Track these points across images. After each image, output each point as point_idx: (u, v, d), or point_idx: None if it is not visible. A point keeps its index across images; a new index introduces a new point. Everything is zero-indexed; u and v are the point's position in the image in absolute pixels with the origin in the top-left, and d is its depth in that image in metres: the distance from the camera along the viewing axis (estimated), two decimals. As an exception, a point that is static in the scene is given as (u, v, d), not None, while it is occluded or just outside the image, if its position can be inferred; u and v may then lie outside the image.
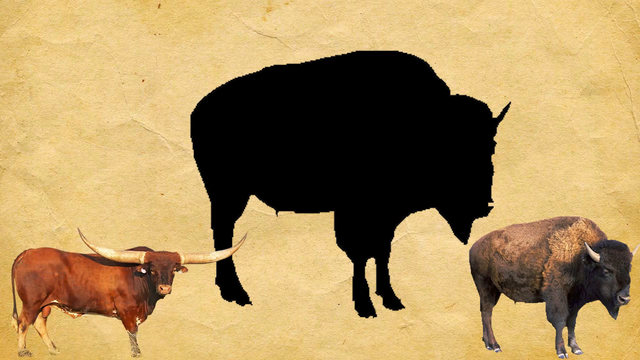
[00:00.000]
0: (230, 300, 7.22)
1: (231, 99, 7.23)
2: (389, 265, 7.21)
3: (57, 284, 7.02)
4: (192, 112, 7.24)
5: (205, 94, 7.24)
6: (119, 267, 7.05)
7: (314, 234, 7.20)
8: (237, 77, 7.24)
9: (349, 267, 7.18)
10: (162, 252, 7.08)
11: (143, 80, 7.25)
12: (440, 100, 7.08)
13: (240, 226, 7.25)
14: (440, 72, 7.16)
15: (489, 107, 7.08)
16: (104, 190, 7.22)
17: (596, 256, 6.55)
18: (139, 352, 7.20)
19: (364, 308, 7.18)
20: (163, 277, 6.98)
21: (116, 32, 7.24)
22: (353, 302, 7.20)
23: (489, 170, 7.06)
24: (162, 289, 6.94)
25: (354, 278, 7.19)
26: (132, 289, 7.05)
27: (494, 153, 7.07)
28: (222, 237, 7.29)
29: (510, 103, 7.12)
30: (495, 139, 7.06)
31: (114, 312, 7.08)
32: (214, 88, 7.24)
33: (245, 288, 7.22)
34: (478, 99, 7.10)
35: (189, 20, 7.24)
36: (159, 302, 7.01)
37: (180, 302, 7.20)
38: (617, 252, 6.55)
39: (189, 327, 7.18)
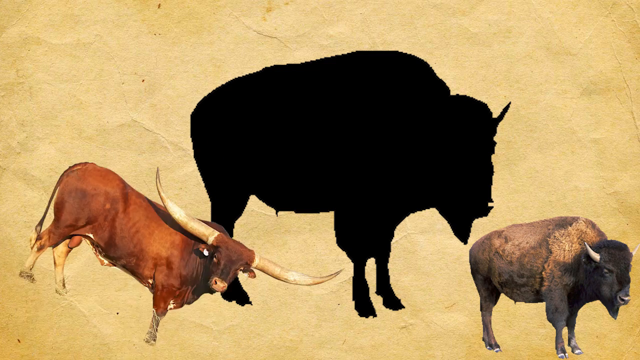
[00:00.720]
0: (230, 300, 7.22)
1: (231, 99, 7.23)
2: (389, 265, 7.21)
3: (103, 217, 6.20)
4: (192, 112, 7.24)
5: (205, 94, 7.24)
6: (180, 235, 6.27)
7: (314, 234, 7.20)
8: (237, 77, 7.24)
9: (349, 267, 7.19)
10: (237, 242, 6.31)
11: (143, 80, 7.25)
12: (440, 101, 7.09)
13: (240, 226, 7.25)
14: (440, 72, 7.16)
15: (489, 107, 7.08)
16: (104, 190, 7.22)
17: (596, 256, 6.55)
18: (154, 341, 6.52)
19: (364, 308, 7.18)
20: (224, 271, 6.12)
21: (116, 32, 7.24)
22: (353, 302, 7.20)
23: (489, 170, 7.06)
24: (216, 283, 6.12)
25: (354, 278, 7.20)
26: (184, 266, 6.20)
27: (494, 153, 7.07)
28: (222, 237, 7.31)
29: (510, 103, 7.12)
30: (495, 139, 7.06)
31: (150, 281, 6.27)
32: (214, 88, 7.24)
33: (245, 288, 7.22)
34: (478, 99, 7.10)
35: (189, 20, 7.24)
36: (159, 302, 7.01)
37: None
38: (617, 252, 6.55)
39: (189, 327, 7.18)
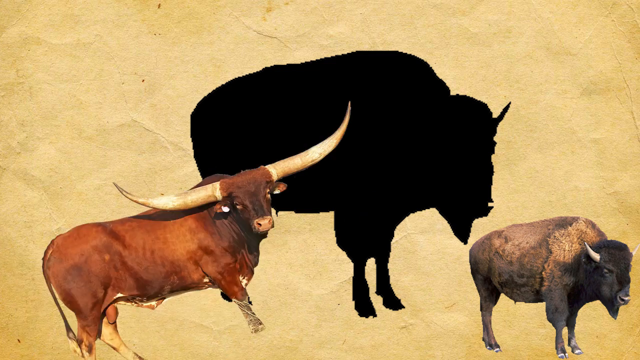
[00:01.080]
0: (230, 300, 7.22)
1: (231, 99, 7.23)
2: (389, 265, 7.21)
3: (113, 270, 5.46)
4: (192, 112, 7.24)
5: (205, 94, 7.24)
6: (191, 217, 5.56)
7: (314, 234, 7.20)
8: (237, 77, 7.24)
9: (349, 267, 7.18)
10: (241, 173, 5.59)
11: (143, 80, 7.25)
12: (440, 101, 7.08)
13: (240, 226, 7.26)
14: (440, 72, 7.16)
15: (489, 107, 7.08)
16: (104, 190, 7.22)
17: (596, 256, 6.55)
18: (261, 324, 5.81)
19: (364, 308, 7.18)
20: (255, 208, 5.39)
21: (116, 32, 7.24)
22: (353, 302, 7.20)
23: (489, 170, 7.06)
24: (259, 224, 5.37)
25: (354, 278, 7.20)
26: (219, 239, 5.49)
27: (494, 153, 7.07)
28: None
29: (510, 103, 7.12)
30: (495, 139, 7.06)
31: (206, 280, 5.58)
32: (214, 88, 7.24)
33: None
34: (478, 99, 7.10)
35: (189, 20, 7.24)
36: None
37: (180, 302, 7.20)
38: (617, 252, 6.55)
39: (189, 327, 7.18)
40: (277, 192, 5.53)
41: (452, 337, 7.13)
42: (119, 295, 5.49)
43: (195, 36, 7.23)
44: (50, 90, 7.24)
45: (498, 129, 7.06)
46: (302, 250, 7.21)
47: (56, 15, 7.25)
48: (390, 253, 7.20)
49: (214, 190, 5.44)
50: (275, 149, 7.15)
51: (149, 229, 5.49)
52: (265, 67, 7.22)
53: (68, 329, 5.60)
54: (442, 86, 7.12)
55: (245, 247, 5.54)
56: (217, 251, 5.44)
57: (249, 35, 7.23)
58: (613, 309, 6.59)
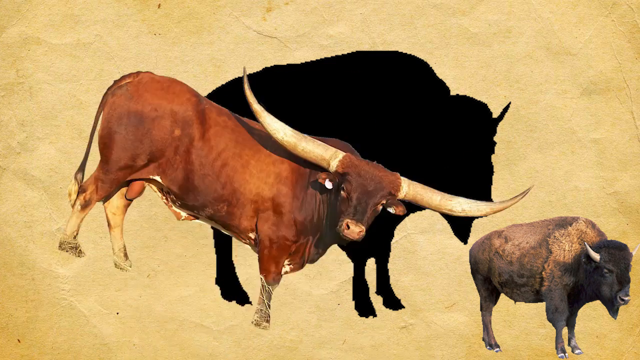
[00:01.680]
0: (230, 300, 7.22)
1: (231, 98, 7.22)
2: (389, 265, 7.21)
3: (172, 150, 4.30)
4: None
5: (205, 94, 7.23)
6: (288, 163, 4.44)
7: (314, 234, 7.20)
8: (237, 77, 7.23)
9: (349, 267, 7.18)
10: (373, 164, 4.53)
11: (143, 80, 7.25)
12: (440, 101, 7.08)
13: (240, 226, 7.25)
14: (440, 72, 7.16)
15: (489, 107, 7.08)
16: (104, 190, 7.22)
17: (596, 256, 6.55)
18: (267, 322, 4.71)
19: (364, 308, 7.18)
20: (358, 209, 4.32)
21: (116, 32, 7.24)
22: (353, 302, 7.20)
23: (489, 170, 7.06)
24: (348, 227, 4.24)
25: (354, 278, 7.20)
26: (298, 208, 4.42)
27: (494, 153, 7.07)
28: (223, 238, 7.28)
29: (510, 103, 7.12)
30: (495, 139, 7.06)
31: (251, 235, 4.51)
32: (214, 88, 7.24)
33: (245, 288, 7.21)
34: (478, 99, 7.10)
35: (189, 20, 7.24)
36: (159, 302, 6.94)
37: (180, 302, 7.20)
38: (617, 252, 6.55)
39: (189, 327, 7.18)
40: (391, 210, 4.51)
41: (452, 337, 7.13)
42: (157, 178, 4.34)
43: (195, 36, 7.23)
44: (50, 90, 7.24)
45: (498, 129, 7.06)
46: (302, 250, 7.21)
47: (56, 15, 7.24)
48: (390, 253, 7.20)
49: (334, 157, 4.36)
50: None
51: (240, 140, 4.33)
52: (266, 68, 7.22)
53: (81, 168, 4.31)
54: (442, 86, 7.12)
55: (317, 237, 4.44)
56: (285, 216, 4.32)
57: (249, 35, 7.23)
58: (613, 309, 6.59)
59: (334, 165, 4.44)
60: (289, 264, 4.60)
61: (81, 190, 4.60)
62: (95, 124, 4.50)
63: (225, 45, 7.24)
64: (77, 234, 4.45)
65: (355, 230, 4.42)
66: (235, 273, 7.25)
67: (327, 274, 7.16)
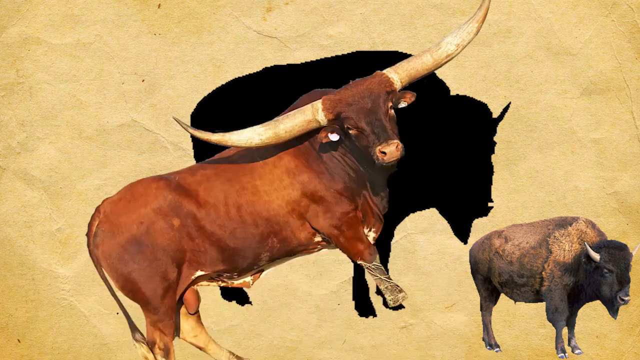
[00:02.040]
0: (230, 300, 7.22)
1: (231, 99, 7.22)
2: (389, 265, 7.21)
3: (186, 239, 3.92)
4: (192, 112, 7.24)
5: (205, 94, 7.23)
6: (287, 154, 4.03)
7: (314, 234, 7.20)
8: (237, 77, 7.23)
9: (349, 267, 7.18)
10: (350, 85, 4.04)
11: (143, 80, 7.25)
12: (440, 101, 7.08)
13: (240, 226, 7.25)
14: (440, 72, 7.16)
15: (489, 107, 7.08)
16: (104, 190, 7.22)
17: (596, 256, 6.55)
18: (402, 292, 4.19)
19: (364, 308, 7.18)
20: (376, 130, 3.85)
21: (116, 32, 7.24)
22: (353, 302, 7.20)
23: (489, 170, 7.06)
24: (383, 153, 3.92)
25: (354, 278, 7.20)
26: (330, 180, 3.98)
27: (494, 153, 7.07)
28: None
29: (510, 103, 7.12)
30: (495, 139, 7.06)
31: (318, 239, 4.13)
32: (214, 88, 7.23)
33: (245, 288, 7.21)
34: (478, 99, 7.10)
35: (189, 20, 7.23)
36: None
37: (179, 302, 7.19)
38: (617, 252, 6.55)
39: (189, 327, 7.18)
40: (403, 105, 4.03)
41: (452, 337, 7.13)
42: (199, 273, 3.91)
43: (195, 36, 7.23)
44: (50, 90, 7.23)
45: (498, 129, 7.06)
46: (302, 250, 7.21)
47: (56, 15, 7.24)
48: (390, 253, 7.20)
49: (315, 112, 3.97)
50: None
51: (230, 176, 3.90)
52: (266, 68, 7.22)
53: (133, 328, 3.90)
54: (442, 86, 7.12)
55: (368, 186, 4.03)
56: (328, 197, 3.88)
57: (249, 35, 7.23)
58: (613, 309, 6.59)
59: (322, 118, 4.07)
60: (370, 230, 4.20)
61: (150, 344, 4.13)
62: (107, 283, 4.06)
63: (225, 45, 7.23)
64: None
65: (392, 149, 4.06)
66: (235, 273, 7.26)
67: (327, 274, 7.16)
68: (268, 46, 7.22)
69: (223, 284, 4.18)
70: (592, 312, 7.01)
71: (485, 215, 7.07)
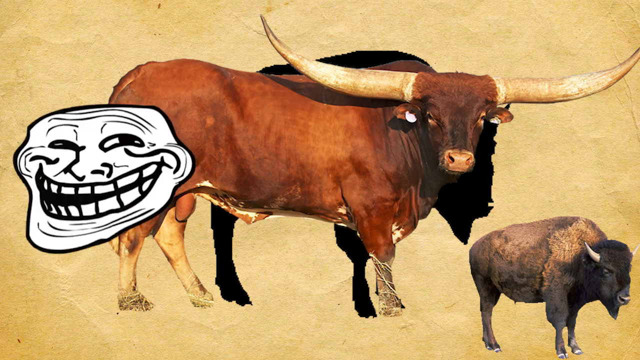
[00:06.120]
0: (230, 300, 7.22)
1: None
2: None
3: (211, 144, 3.39)
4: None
5: (205, 94, 7.23)
6: (354, 110, 3.50)
7: (314, 234, 7.20)
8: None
9: (349, 267, 7.18)
10: (454, 74, 3.53)
11: (143, 80, 7.25)
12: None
13: (240, 226, 7.24)
14: (440, 72, 7.16)
15: (489, 107, 7.08)
16: (104, 190, 7.22)
17: (596, 256, 6.55)
18: (398, 307, 3.50)
19: (364, 308, 7.18)
20: (456, 133, 3.38)
21: (116, 32, 7.24)
22: (353, 302, 7.20)
23: (489, 170, 7.06)
24: (451, 159, 3.40)
25: (354, 278, 7.20)
26: (385, 159, 3.45)
27: (494, 153, 7.07)
28: (223, 238, 7.28)
29: (510, 103, 7.12)
30: (495, 139, 7.06)
31: (341, 210, 3.57)
32: (214, 88, 7.24)
33: (245, 288, 7.21)
34: (478, 99, 7.10)
35: (189, 20, 7.24)
36: (159, 302, 6.92)
37: (180, 302, 7.20)
38: (617, 252, 6.55)
39: (189, 327, 7.18)
40: (496, 121, 3.42)
41: (452, 337, 7.13)
42: (206, 184, 3.40)
43: (195, 36, 7.23)
44: (50, 90, 7.23)
45: (498, 129, 7.06)
46: (302, 250, 7.21)
47: (56, 15, 7.24)
48: (390, 253, 7.21)
49: (405, 83, 3.38)
50: (275, 149, 7.14)
51: (286, 103, 3.34)
52: (265, 68, 7.22)
53: None
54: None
55: (419, 184, 3.46)
56: (374, 174, 3.34)
57: (249, 35, 7.23)
58: (613, 309, 6.59)
59: (409, 93, 3.49)
60: (398, 228, 3.57)
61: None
62: None
63: (225, 45, 7.24)
64: (135, 284, 3.38)
65: (461, 160, 3.48)
66: (235, 273, 7.25)
67: (327, 274, 7.16)
68: (268, 46, 7.22)
69: (224, 207, 3.60)
70: (592, 312, 7.01)
71: (485, 215, 7.07)
